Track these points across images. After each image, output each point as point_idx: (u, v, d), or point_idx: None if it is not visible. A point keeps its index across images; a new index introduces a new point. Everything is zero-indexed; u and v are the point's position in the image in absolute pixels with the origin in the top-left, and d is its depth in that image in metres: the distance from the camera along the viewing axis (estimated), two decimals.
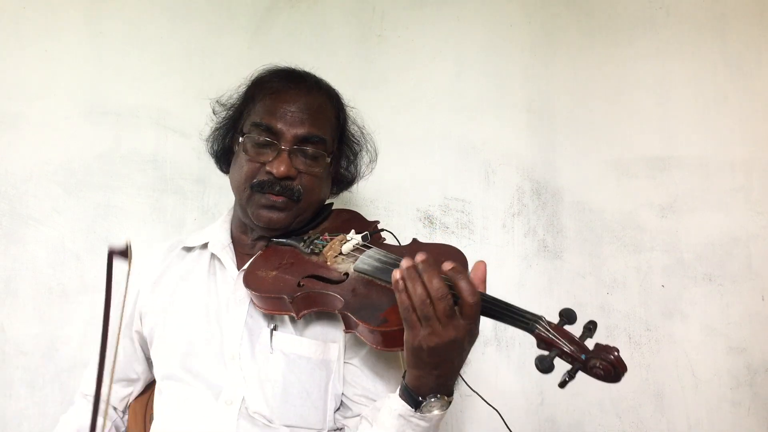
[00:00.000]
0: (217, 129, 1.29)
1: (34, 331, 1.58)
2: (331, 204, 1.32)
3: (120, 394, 1.31)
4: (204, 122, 1.35)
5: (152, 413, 1.28)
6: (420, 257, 0.87)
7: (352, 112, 1.31)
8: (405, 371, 0.96)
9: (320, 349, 1.11)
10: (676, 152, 1.75)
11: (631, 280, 1.71)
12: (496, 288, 1.72)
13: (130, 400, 1.34)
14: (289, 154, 1.14)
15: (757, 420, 1.65)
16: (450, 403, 0.95)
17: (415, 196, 1.74)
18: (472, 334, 0.88)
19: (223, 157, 1.30)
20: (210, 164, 1.67)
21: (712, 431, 1.66)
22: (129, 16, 1.70)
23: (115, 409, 1.33)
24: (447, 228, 1.74)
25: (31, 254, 1.60)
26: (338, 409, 1.15)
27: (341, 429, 1.16)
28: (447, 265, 0.86)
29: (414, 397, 0.93)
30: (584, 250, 1.73)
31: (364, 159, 1.34)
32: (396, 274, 0.87)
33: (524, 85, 1.78)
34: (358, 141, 1.32)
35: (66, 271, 1.61)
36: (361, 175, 1.36)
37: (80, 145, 1.64)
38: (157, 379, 1.22)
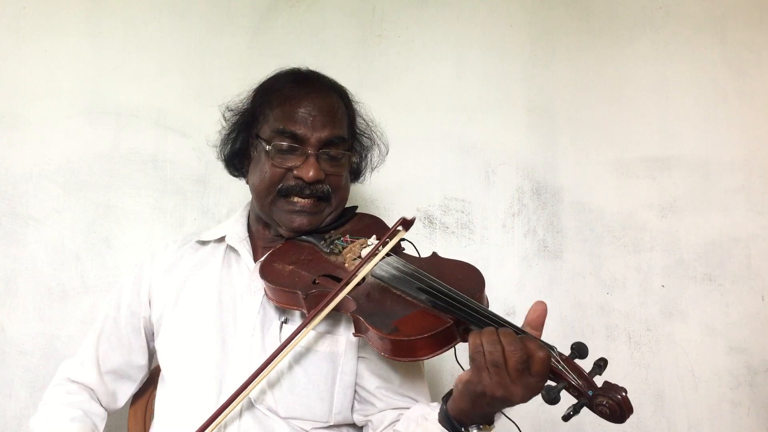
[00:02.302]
0: (228, 133, 1.30)
1: (34, 331, 1.58)
2: (356, 207, 1.33)
3: (109, 387, 1.28)
4: (204, 122, 1.36)
5: (152, 412, 1.28)
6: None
7: (358, 107, 1.33)
8: (448, 394, 0.94)
9: (327, 342, 1.12)
10: (676, 152, 1.75)
11: (631, 280, 1.71)
12: (497, 288, 1.73)
13: (118, 400, 1.30)
14: (316, 159, 1.17)
15: (757, 420, 1.65)
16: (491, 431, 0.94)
17: (415, 196, 1.74)
18: (539, 392, 0.83)
19: (234, 161, 1.31)
20: (210, 164, 1.67)
21: (712, 431, 1.66)
22: (129, 16, 1.70)
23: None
24: (447, 228, 1.74)
25: (31, 254, 1.60)
26: (355, 406, 1.15)
27: (363, 427, 1.16)
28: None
29: (455, 426, 0.92)
30: (584, 250, 1.73)
31: (375, 152, 1.36)
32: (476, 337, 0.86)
33: (524, 85, 1.78)
34: (369, 135, 1.34)
35: (66, 271, 1.61)
36: (373, 167, 1.37)
37: (80, 145, 1.64)
38: (162, 369, 1.22)
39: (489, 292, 1.02)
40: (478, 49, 1.79)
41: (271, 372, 1.08)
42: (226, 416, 1.01)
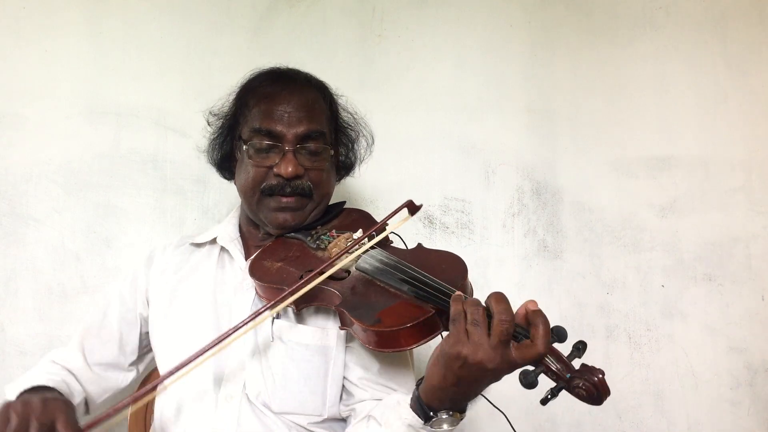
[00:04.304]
0: (214, 138, 1.32)
1: (34, 331, 1.58)
2: (344, 203, 1.34)
3: (98, 374, 1.24)
4: (204, 124, 1.36)
5: (152, 413, 1.27)
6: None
7: (341, 100, 1.33)
8: (421, 379, 0.94)
9: (318, 335, 1.12)
10: (676, 152, 1.75)
11: (631, 280, 1.71)
12: (496, 288, 1.72)
13: (106, 389, 1.25)
14: (294, 154, 1.17)
15: (757, 420, 1.65)
16: (461, 420, 0.92)
17: (415, 196, 1.72)
18: (512, 369, 0.83)
19: (225, 164, 1.33)
20: (210, 164, 1.67)
21: (712, 431, 1.66)
22: (129, 16, 1.70)
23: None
24: (447, 228, 1.74)
25: (31, 254, 1.60)
26: (342, 398, 1.15)
27: (346, 419, 1.15)
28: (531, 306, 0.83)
29: (425, 411, 0.91)
30: (584, 250, 1.73)
31: (362, 143, 1.36)
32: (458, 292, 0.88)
33: (524, 85, 1.78)
34: (353, 127, 1.35)
35: (66, 271, 1.61)
36: (361, 159, 1.38)
37: (80, 145, 1.64)
38: (159, 369, 1.23)
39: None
40: (478, 49, 1.79)
41: (266, 368, 1.10)
42: (188, 372, 0.97)
